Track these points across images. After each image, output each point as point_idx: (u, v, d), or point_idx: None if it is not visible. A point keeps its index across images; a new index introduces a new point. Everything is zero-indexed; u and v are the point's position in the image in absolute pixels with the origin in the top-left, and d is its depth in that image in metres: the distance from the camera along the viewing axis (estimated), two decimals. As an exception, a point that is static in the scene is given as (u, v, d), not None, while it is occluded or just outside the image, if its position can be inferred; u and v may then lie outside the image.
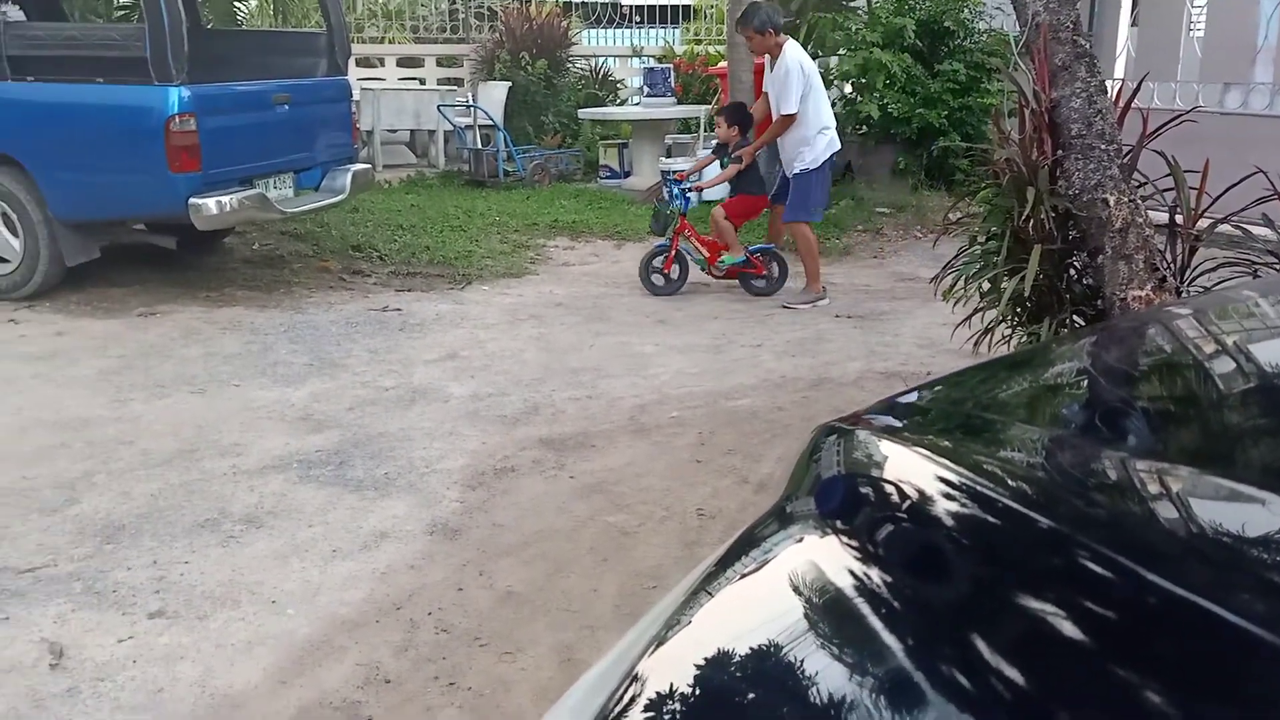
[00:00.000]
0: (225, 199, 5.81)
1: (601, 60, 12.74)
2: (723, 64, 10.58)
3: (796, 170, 6.45)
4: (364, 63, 11.95)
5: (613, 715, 0.89)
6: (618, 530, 3.47)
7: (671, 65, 11.23)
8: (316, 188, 6.83)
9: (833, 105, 10.13)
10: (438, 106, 10.76)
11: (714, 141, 7.08)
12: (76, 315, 5.83)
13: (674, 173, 7.07)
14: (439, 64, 12.65)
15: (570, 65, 12.12)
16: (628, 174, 10.41)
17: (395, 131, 11.24)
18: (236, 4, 11.71)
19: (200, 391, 4.74)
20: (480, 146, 10.27)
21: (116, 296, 6.17)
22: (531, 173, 10.20)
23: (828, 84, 9.86)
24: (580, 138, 11.40)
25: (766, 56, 6.65)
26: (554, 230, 8.42)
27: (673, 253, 6.64)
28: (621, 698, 0.91)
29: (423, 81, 12.33)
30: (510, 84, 11.04)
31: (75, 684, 2.58)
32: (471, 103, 10.46)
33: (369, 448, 4.15)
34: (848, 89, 9.85)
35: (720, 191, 7.20)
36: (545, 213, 8.89)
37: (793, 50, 6.43)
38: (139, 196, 5.83)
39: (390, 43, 13.11)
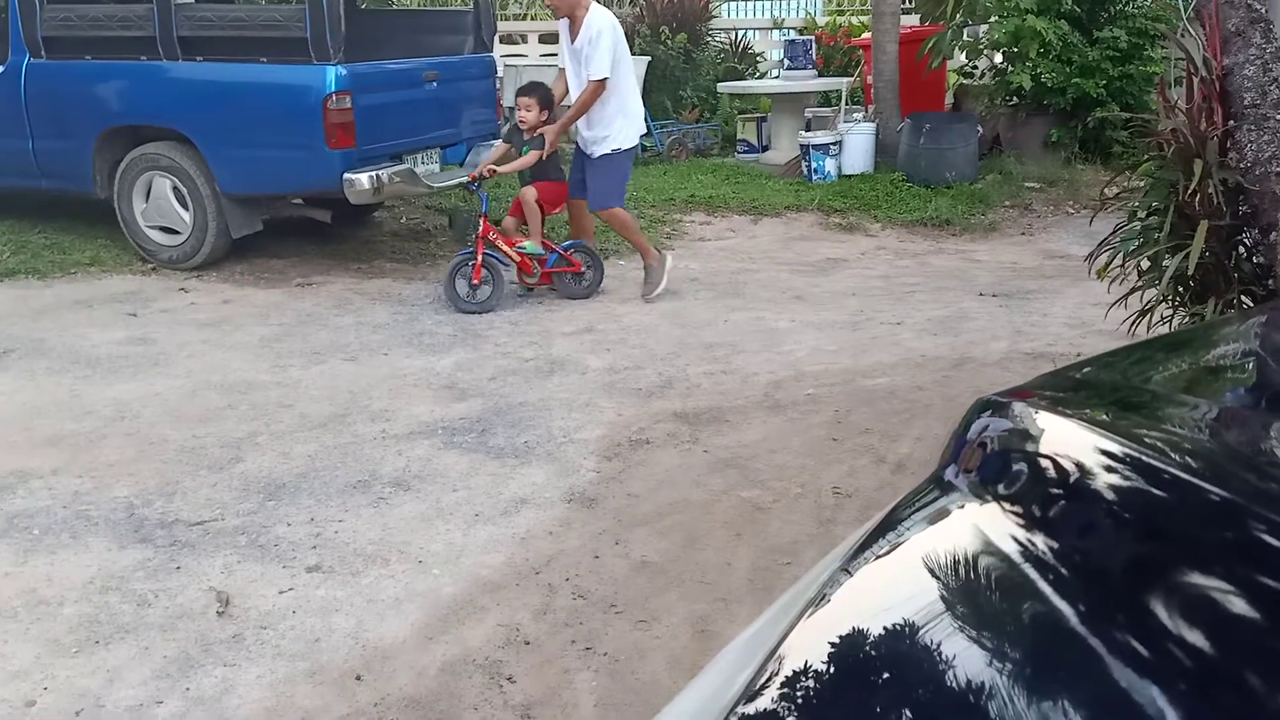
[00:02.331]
0: (377, 174, 6.02)
1: (742, 33, 12.62)
2: (866, 35, 10.34)
3: (603, 151, 5.75)
4: (506, 39, 12.16)
5: (762, 686, 0.90)
6: (751, 505, 3.48)
7: (813, 37, 11.03)
8: (461, 163, 7.00)
9: (980, 76, 9.90)
10: (578, 82, 10.86)
11: (505, 128, 6.05)
12: (241, 284, 6.16)
13: (469, 173, 6.04)
14: (580, 39, 12.75)
15: (710, 39, 12.05)
16: (766, 148, 10.31)
17: (536, 107, 11.39)
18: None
19: (353, 359, 4.95)
20: (619, 121, 10.31)
21: (277, 267, 6.50)
22: (668, 148, 10.21)
23: (975, 52, 9.53)
24: (718, 112, 11.33)
25: (565, 21, 5.77)
26: (690, 205, 8.42)
27: (479, 259, 5.70)
28: (772, 669, 0.92)
29: (564, 57, 12.45)
30: (649, 59, 11.04)
31: (240, 631, 2.76)
32: (611, 78, 10.49)
33: (509, 416, 4.26)
34: (998, 58, 9.49)
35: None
36: (682, 188, 8.90)
37: (601, 11, 5.70)
38: (298, 171, 6.10)
39: (532, 19, 13.30)
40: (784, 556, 3.13)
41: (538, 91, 5.90)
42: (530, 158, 5.82)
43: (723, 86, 10.80)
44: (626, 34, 11.59)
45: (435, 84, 6.60)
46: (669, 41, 11.24)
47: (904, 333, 5.30)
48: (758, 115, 10.62)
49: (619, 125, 5.74)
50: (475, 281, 5.69)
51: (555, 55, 12.57)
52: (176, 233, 6.34)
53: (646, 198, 8.54)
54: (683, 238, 7.58)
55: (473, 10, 7.24)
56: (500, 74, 8.39)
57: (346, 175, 5.92)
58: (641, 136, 9.89)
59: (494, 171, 5.83)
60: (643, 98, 10.45)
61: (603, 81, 5.57)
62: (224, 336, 5.24)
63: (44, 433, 4.01)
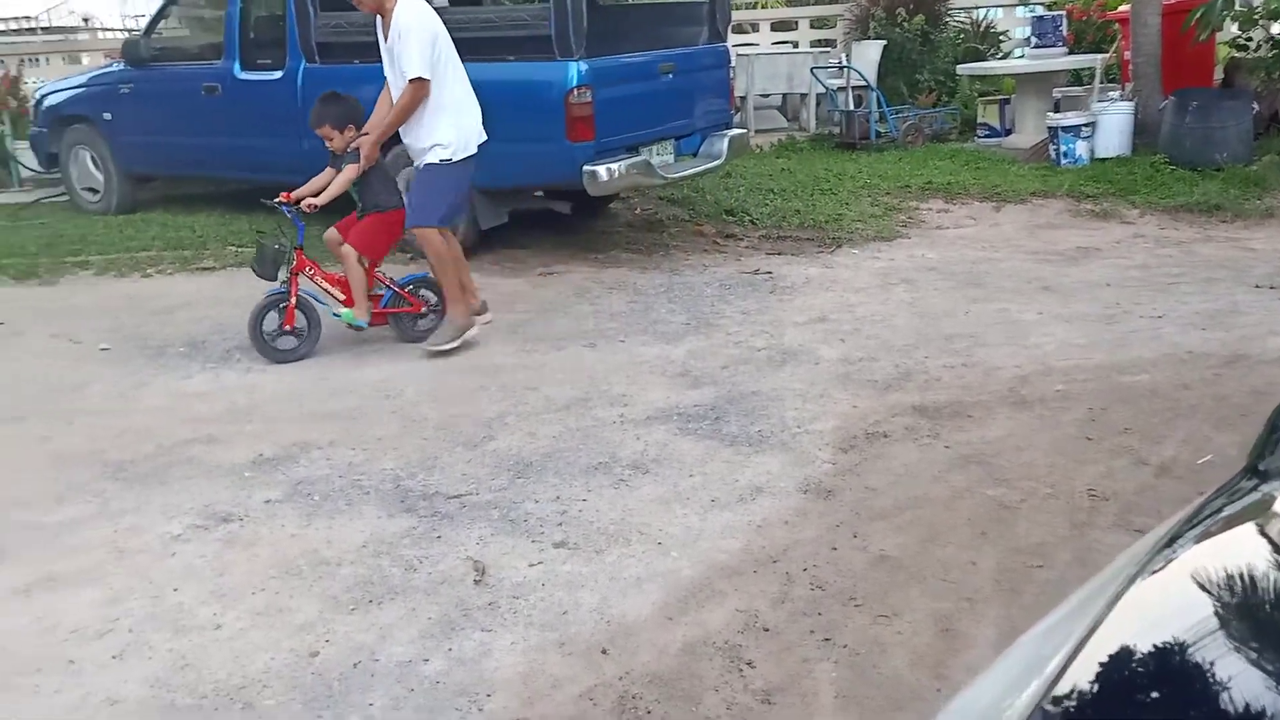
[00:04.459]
0: (614, 166, 6.20)
1: (984, 12, 12.07)
2: (1123, 8, 9.65)
3: (430, 161, 4.95)
4: (737, 28, 12.18)
5: (1073, 679, 0.87)
6: (997, 504, 3.35)
7: (1063, 12, 10.40)
8: (695, 153, 7.09)
9: (1255, 48, 9.01)
10: (810, 69, 10.75)
11: (348, 149, 4.97)
12: (489, 273, 6.50)
13: (281, 192, 4.97)
14: (812, 25, 12.62)
15: (949, 19, 11.61)
16: (1009, 131, 9.84)
17: (767, 96, 11.38)
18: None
19: (591, 345, 5.13)
20: (852, 108, 10.14)
21: (520, 257, 6.81)
22: (904, 133, 9.93)
23: (1250, 23, 8.70)
24: (957, 95, 10.92)
25: (378, 19, 5.02)
26: (927, 192, 8.16)
27: (293, 300, 4.91)
28: (1083, 663, 0.89)
29: (795, 45, 12.36)
30: (885, 42, 10.77)
31: (495, 599, 2.93)
32: (844, 63, 10.33)
33: (743, 405, 4.29)
34: (1276, 29, 8.63)
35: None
36: (918, 174, 8.64)
37: (413, 5, 4.89)
38: (541, 165, 6.37)
39: (764, 7, 13.27)
40: (1034, 559, 2.99)
41: (329, 114, 5.00)
42: (347, 173, 4.88)
43: (962, 68, 10.38)
44: (860, 18, 11.45)
45: (671, 76, 6.72)
46: (905, 24, 10.92)
47: (1166, 326, 4.93)
48: (1000, 97, 10.15)
49: (446, 132, 4.92)
50: (288, 326, 4.93)
51: (786, 43, 12.52)
52: (431, 224, 6.75)
53: (881, 184, 8.36)
54: (919, 226, 7.36)
55: (708, 1, 7.29)
56: (733, 63, 8.42)
57: (586, 167, 6.13)
58: (875, 122, 9.83)
59: (314, 206, 4.81)
60: (878, 81, 10.34)
61: (421, 81, 4.80)
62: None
63: (323, 408, 4.39)
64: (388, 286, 5.12)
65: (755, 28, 12.67)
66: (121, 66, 8.15)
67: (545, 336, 5.26)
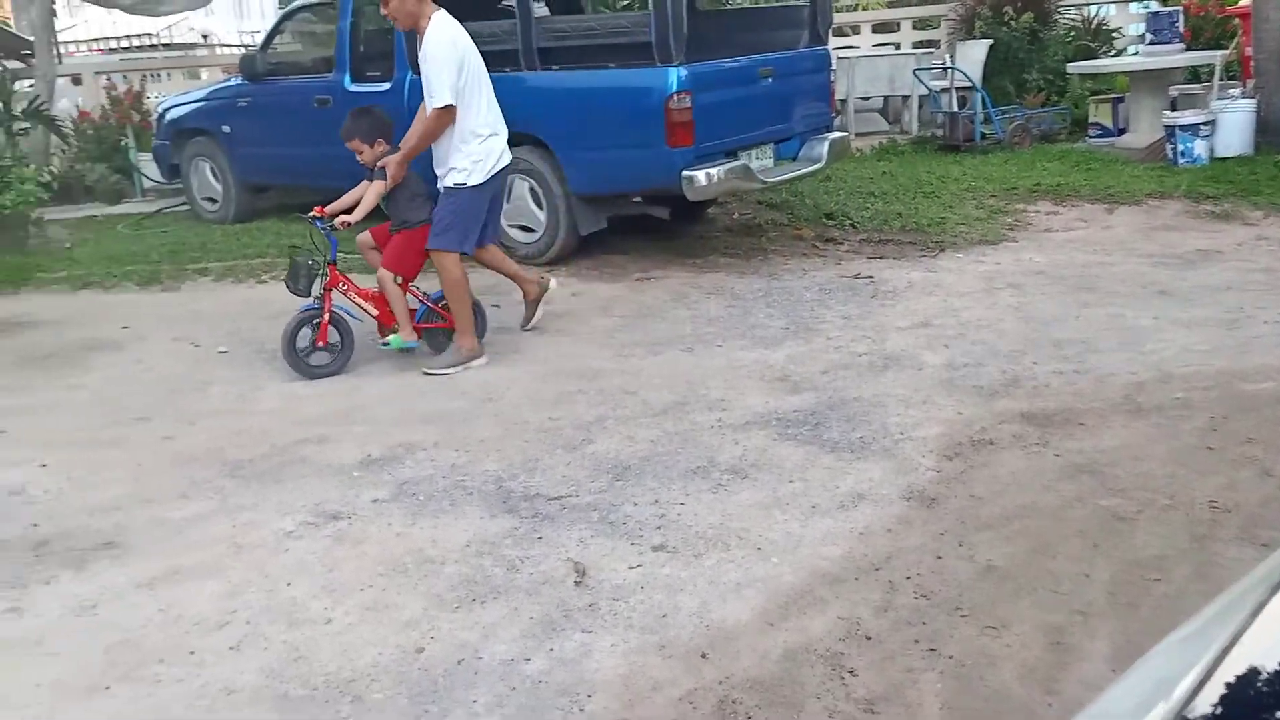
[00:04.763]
0: (713, 171, 6.20)
1: (1096, 8, 11.71)
2: (1245, 2, 9.24)
3: (447, 184, 4.96)
4: (838, 31, 12.06)
5: (1216, 687, 0.83)
6: (1111, 515, 3.24)
7: (1180, 8, 10.02)
8: (794, 157, 7.04)
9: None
10: (914, 70, 10.58)
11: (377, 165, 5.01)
12: (587, 279, 6.57)
13: (314, 207, 5.00)
14: (915, 26, 12.42)
15: (1059, 16, 11.28)
16: (1122, 131, 9.51)
17: (868, 99, 11.24)
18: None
19: (689, 350, 5.13)
20: (956, 109, 9.94)
21: (618, 263, 6.86)
22: (1011, 134, 9.69)
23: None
24: (1067, 94, 10.60)
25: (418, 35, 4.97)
26: (1035, 194, 7.94)
27: (326, 317, 4.91)
28: (1229, 670, 0.85)
29: (897, 46, 12.18)
30: (991, 41, 10.53)
31: (595, 601, 2.95)
32: (949, 64, 10.14)
33: (843, 411, 4.24)
34: None
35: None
36: (1025, 176, 8.42)
37: (442, 24, 4.86)
38: (640, 170, 6.41)
39: (865, 9, 13.10)
40: (1151, 572, 2.88)
41: (359, 128, 5.01)
42: (375, 190, 4.91)
43: (1073, 67, 10.08)
44: (965, 17, 11.22)
45: (771, 79, 6.68)
46: (1013, 22, 10.66)
47: (1294, 332, 4.70)
48: (1113, 96, 9.82)
49: (468, 157, 4.91)
50: (321, 343, 4.93)
51: (888, 45, 12.34)
52: (532, 230, 6.85)
53: (986, 187, 8.17)
54: (1026, 229, 7.16)
55: (809, 4, 7.24)
56: (834, 66, 8.33)
57: (685, 173, 6.14)
58: (980, 124, 9.61)
59: (347, 223, 4.85)
60: (983, 81, 10.11)
61: (447, 109, 4.80)
62: (573, 326, 5.60)
63: (426, 410, 4.49)
64: (421, 301, 5.13)
65: (856, 30, 12.53)
66: (239, 81, 8.48)
67: (643, 341, 5.28)
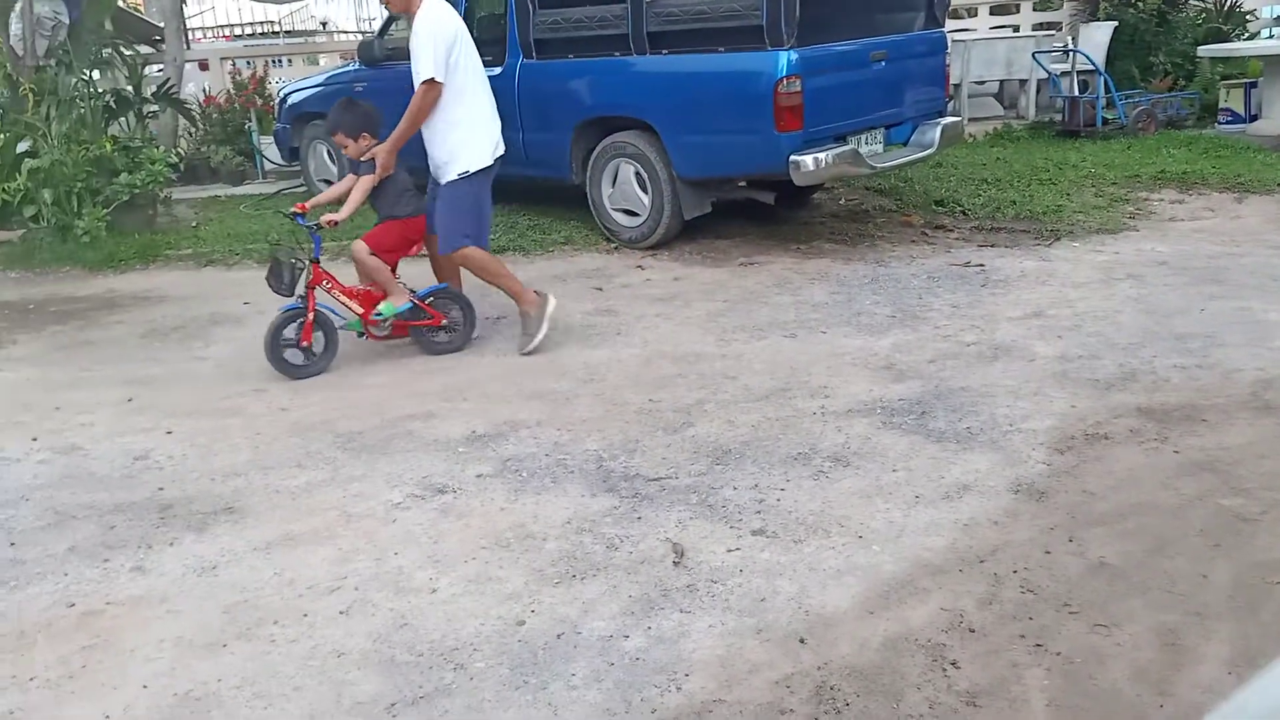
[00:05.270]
0: (821, 155, 6.12)
1: (1228, -12, 11.15)
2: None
3: (450, 177, 4.87)
4: (953, 13, 11.75)
5: None
6: (1233, 515, 3.10)
7: (1323, -15, 9.48)
8: (905, 142, 6.90)
9: None
10: (1032, 54, 10.24)
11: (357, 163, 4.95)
12: (689, 263, 6.56)
13: (295, 204, 4.93)
14: (1035, 8, 12.02)
15: (1189, -2, 10.80)
16: (1254, 117, 9.07)
17: (983, 83, 10.92)
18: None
19: (792, 336, 5.09)
20: (1077, 94, 9.59)
21: (721, 248, 6.83)
22: (1134, 119, 9.32)
23: None
24: (1196, 79, 10.14)
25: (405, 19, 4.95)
26: (1159, 182, 7.63)
27: (310, 316, 4.81)
28: None
29: (1016, 29, 11.81)
30: (1116, 24, 10.12)
31: (693, 582, 2.96)
32: (1070, 47, 9.78)
33: (950, 400, 4.15)
34: None
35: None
36: (1149, 163, 8.09)
37: (431, 4, 4.81)
38: (747, 155, 6.36)
39: (981, -9, 12.73)
40: (1274, 574, 2.76)
41: (342, 122, 4.90)
42: (363, 183, 4.82)
43: (1203, 50, 9.64)
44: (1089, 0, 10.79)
45: (883, 63, 6.56)
46: (1139, 4, 10.23)
47: None
48: (1245, 80, 9.35)
49: (462, 142, 4.84)
50: (305, 343, 4.84)
51: (1005, 27, 11.98)
52: (636, 215, 6.87)
53: (1106, 174, 7.88)
54: (1149, 217, 6.89)
55: (926, -15, 7.09)
56: (949, 49, 8.12)
57: (793, 157, 6.07)
58: (1103, 109, 9.25)
59: (333, 222, 4.76)
60: (1107, 65, 9.72)
61: (431, 83, 4.70)
62: (676, 310, 5.61)
63: (530, 389, 4.56)
64: (408, 298, 5.01)
65: (973, 12, 12.18)
66: (356, 66, 8.71)
67: (745, 326, 5.26)
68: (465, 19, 7.73)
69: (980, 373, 4.43)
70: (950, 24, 10.56)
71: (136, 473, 3.92)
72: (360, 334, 5.01)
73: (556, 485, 3.61)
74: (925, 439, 3.82)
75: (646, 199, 6.77)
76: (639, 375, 4.66)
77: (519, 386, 4.60)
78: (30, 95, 7.76)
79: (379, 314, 4.95)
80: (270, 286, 4.84)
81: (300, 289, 4.80)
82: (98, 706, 2.55)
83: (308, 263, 4.82)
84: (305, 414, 4.42)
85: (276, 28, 23.48)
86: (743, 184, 7.07)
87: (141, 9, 12.22)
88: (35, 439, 4.28)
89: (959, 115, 9.02)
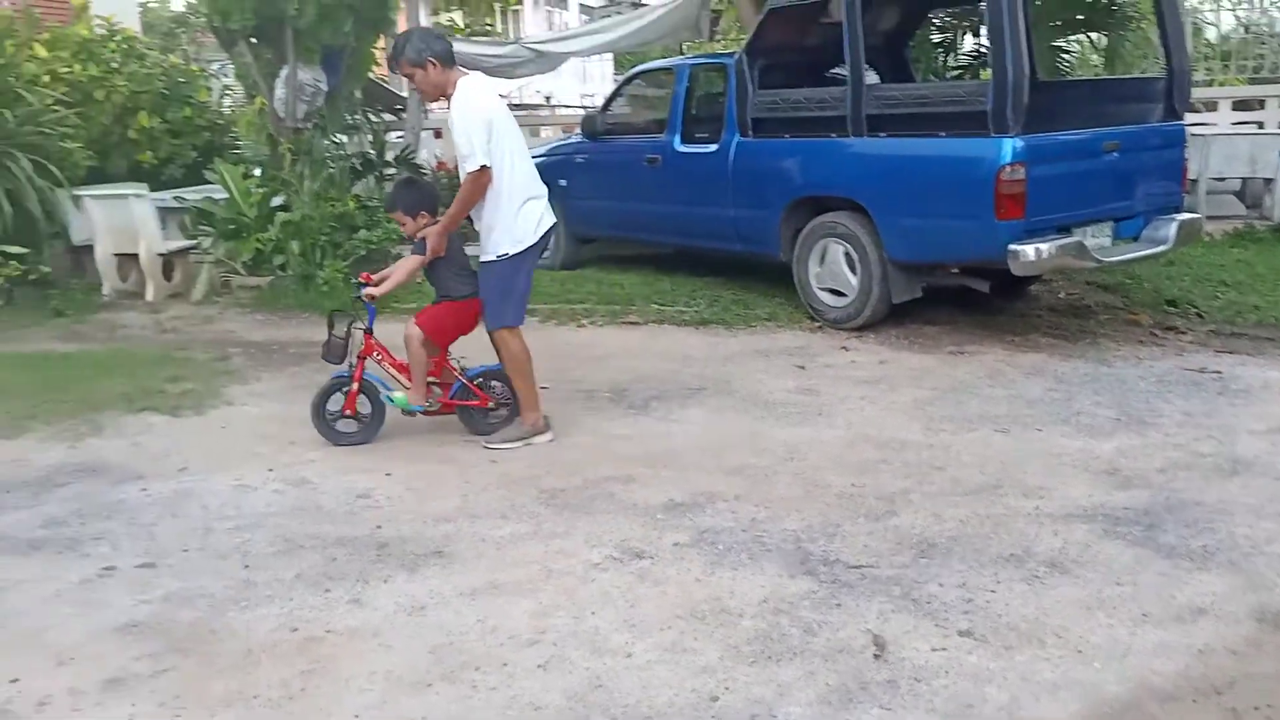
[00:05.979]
0: (1043, 246, 5.90)
1: None
2: None
3: (487, 257, 4.72)
4: (1192, 108, 11.18)
5: None
6: None
7: None
8: (1136, 237, 6.57)
9: None
10: (1278, 151, 9.60)
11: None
12: (896, 348, 6.43)
13: (359, 272, 4.90)
14: (1282, 104, 11.29)
15: None
16: None
17: (1223, 180, 10.30)
18: (1061, 52, 11.81)
19: (1004, 431, 4.88)
20: (1330, 194, 8.89)
21: (930, 334, 6.66)
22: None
23: None
24: None
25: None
26: None
27: (355, 386, 4.76)
28: None
29: (1261, 125, 11.12)
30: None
31: (894, 678, 2.85)
32: (1324, 145, 9.11)
33: (1182, 514, 3.86)
34: None
35: None
36: None
37: (467, 88, 4.65)
38: (963, 241, 6.21)
39: (1221, 84, 12.08)
40: None
41: (402, 199, 4.93)
42: (410, 263, 4.79)
43: None
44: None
45: (1116, 154, 6.30)
46: None
47: None
48: None
49: (505, 225, 4.69)
50: (348, 412, 4.82)
51: (1249, 124, 11.29)
52: (843, 295, 6.81)
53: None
54: None
55: (1165, 77, 6.79)
56: (1187, 143, 7.73)
57: (1012, 246, 5.89)
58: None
59: (372, 296, 4.75)
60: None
61: (482, 171, 4.58)
62: (880, 395, 5.49)
63: (729, 462, 4.55)
64: (457, 377, 4.93)
65: (1213, 107, 11.56)
66: (578, 139, 9.11)
67: (954, 417, 5.08)
68: (686, 97, 8.09)
69: (1217, 487, 4.11)
70: (1190, 118, 10.06)
71: (358, 510, 4.15)
72: (405, 411, 4.91)
73: (754, 562, 3.57)
74: (1154, 553, 3.56)
75: (855, 280, 6.71)
76: (841, 458, 4.58)
77: (718, 459, 4.60)
78: (288, 154, 8.52)
79: (389, 400, 4.90)
80: (322, 354, 4.86)
81: (351, 359, 4.82)
82: (311, 729, 2.68)
83: (360, 331, 4.84)
84: (512, 467, 4.57)
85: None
86: (956, 270, 6.91)
87: (386, 79, 13.24)
88: (271, 470, 4.61)
89: (1196, 212, 8.52)
